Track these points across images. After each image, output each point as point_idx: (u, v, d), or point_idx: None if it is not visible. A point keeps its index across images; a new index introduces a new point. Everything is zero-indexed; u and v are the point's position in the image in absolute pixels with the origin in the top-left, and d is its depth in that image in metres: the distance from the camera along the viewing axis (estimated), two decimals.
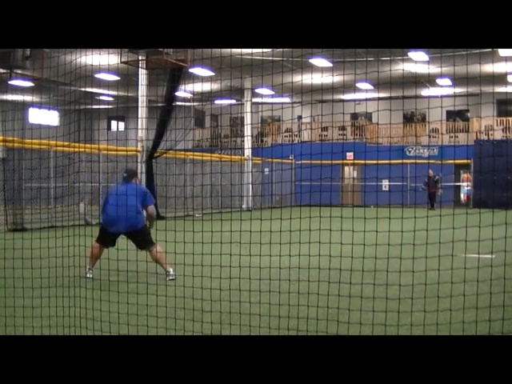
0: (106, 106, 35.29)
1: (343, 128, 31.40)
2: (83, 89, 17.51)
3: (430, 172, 24.71)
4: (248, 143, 27.22)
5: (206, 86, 23.12)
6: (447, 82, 25.49)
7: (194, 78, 20.97)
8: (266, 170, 27.28)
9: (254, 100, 29.76)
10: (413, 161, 22.93)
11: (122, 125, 37.64)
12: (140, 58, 16.39)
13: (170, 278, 7.42)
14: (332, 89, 20.52)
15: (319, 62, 21.11)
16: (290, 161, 23.78)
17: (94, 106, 31.36)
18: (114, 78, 24.25)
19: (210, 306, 5.35)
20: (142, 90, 20.02)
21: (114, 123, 37.94)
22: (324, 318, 4.98)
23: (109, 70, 21.90)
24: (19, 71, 15.09)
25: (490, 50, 17.03)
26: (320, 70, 20.36)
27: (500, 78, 24.93)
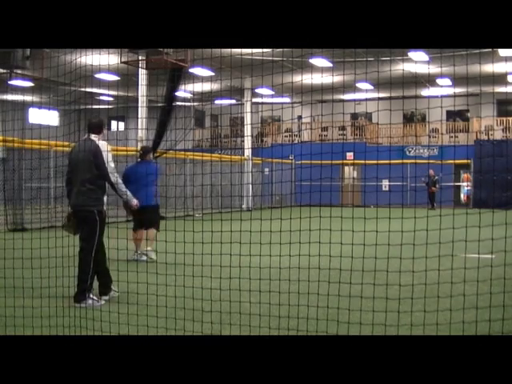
0: (106, 106, 35.28)
1: (343, 128, 31.40)
2: (83, 89, 17.49)
3: (431, 172, 24.77)
4: (248, 143, 27.22)
5: (206, 86, 23.11)
6: (447, 82, 25.49)
7: (194, 78, 20.95)
8: (266, 169, 27.27)
9: (254, 100, 29.77)
10: (413, 161, 22.96)
11: (122, 125, 37.64)
12: (140, 57, 16.38)
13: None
14: (332, 89, 20.54)
15: (319, 62, 21.11)
16: (289, 161, 23.76)
17: (94, 106, 31.35)
18: (114, 78, 24.25)
19: (210, 305, 5.35)
20: (142, 90, 20.02)
21: (114, 123, 37.94)
22: (324, 318, 4.97)
23: (109, 70, 21.89)
24: (19, 71, 15.06)
25: (489, 49, 17.02)
26: (320, 70, 20.36)
27: (500, 78, 24.92)
